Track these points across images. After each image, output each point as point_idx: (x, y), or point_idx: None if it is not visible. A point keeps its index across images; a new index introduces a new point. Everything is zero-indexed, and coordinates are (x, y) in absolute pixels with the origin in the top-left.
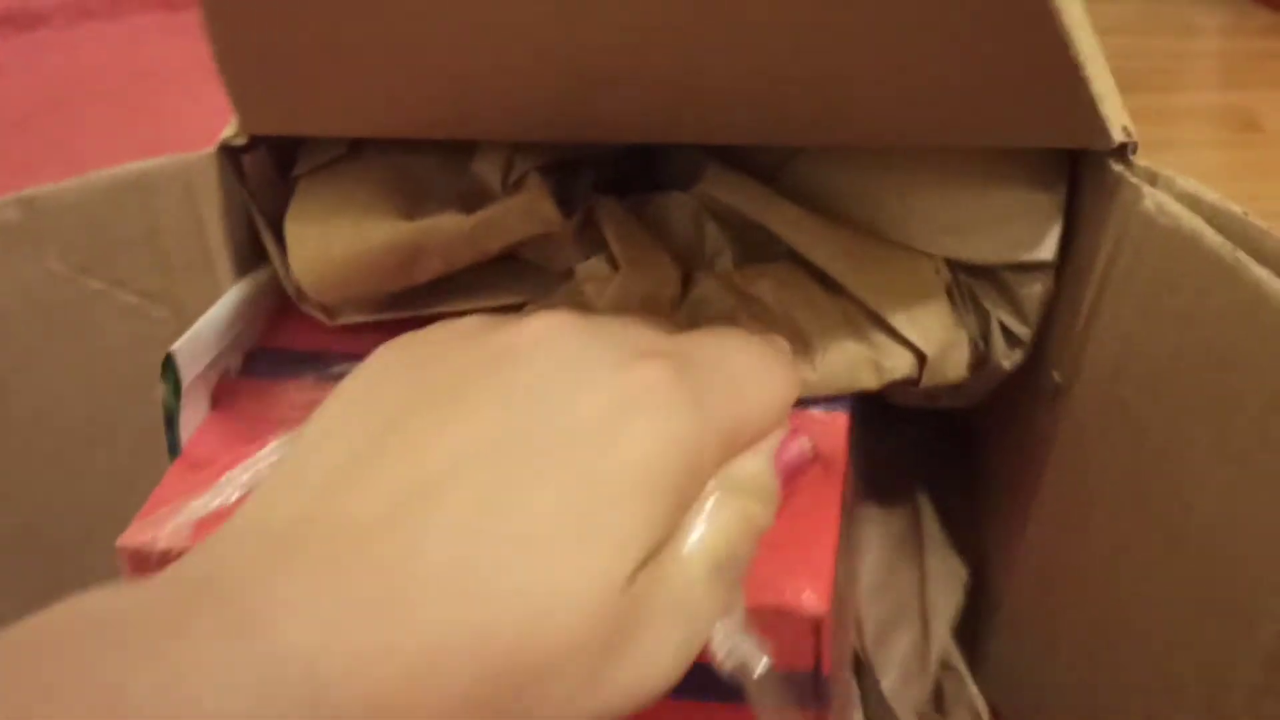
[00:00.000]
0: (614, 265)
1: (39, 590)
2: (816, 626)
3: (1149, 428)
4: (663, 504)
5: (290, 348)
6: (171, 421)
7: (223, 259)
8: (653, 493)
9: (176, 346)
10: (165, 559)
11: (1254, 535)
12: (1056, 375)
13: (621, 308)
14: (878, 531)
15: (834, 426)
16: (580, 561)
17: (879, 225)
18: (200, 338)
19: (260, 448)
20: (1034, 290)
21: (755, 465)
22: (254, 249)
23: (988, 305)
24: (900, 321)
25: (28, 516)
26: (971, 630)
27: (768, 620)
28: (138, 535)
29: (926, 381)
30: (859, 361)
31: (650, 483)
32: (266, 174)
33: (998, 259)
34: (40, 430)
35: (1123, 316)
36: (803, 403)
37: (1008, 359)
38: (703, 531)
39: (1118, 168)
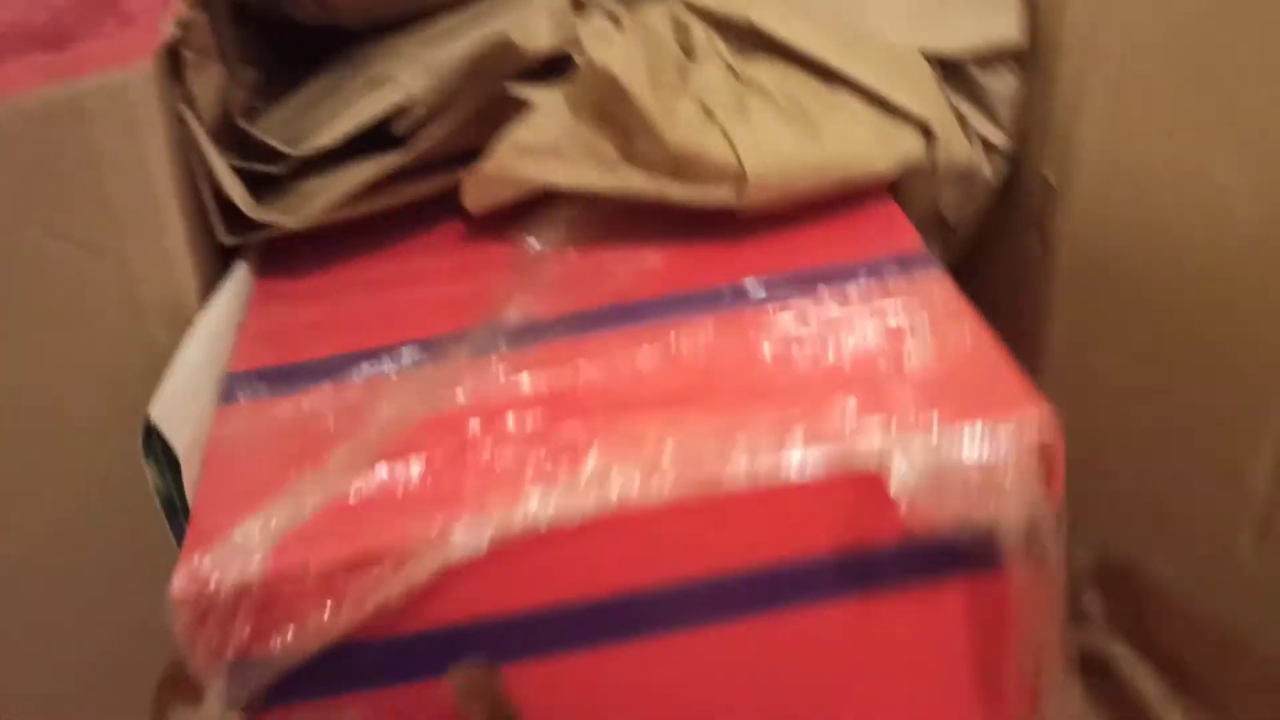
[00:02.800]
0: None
1: None
2: None
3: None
4: None
5: (293, 361)
6: (173, 512)
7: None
8: None
9: (154, 412)
10: (237, 599)
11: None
12: (1050, 176)
13: (631, 64)
14: None
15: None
16: None
17: (849, 21)
18: (178, 393)
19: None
20: (1004, 86)
21: None
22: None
23: (965, 112)
24: (906, 98)
25: None
26: None
27: None
28: (193, 579)
29: (941, 158)
30: (868, 142)
31: None
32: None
33: (964, 47)
34: None
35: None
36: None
37: (990, 167)
38: None
39: None
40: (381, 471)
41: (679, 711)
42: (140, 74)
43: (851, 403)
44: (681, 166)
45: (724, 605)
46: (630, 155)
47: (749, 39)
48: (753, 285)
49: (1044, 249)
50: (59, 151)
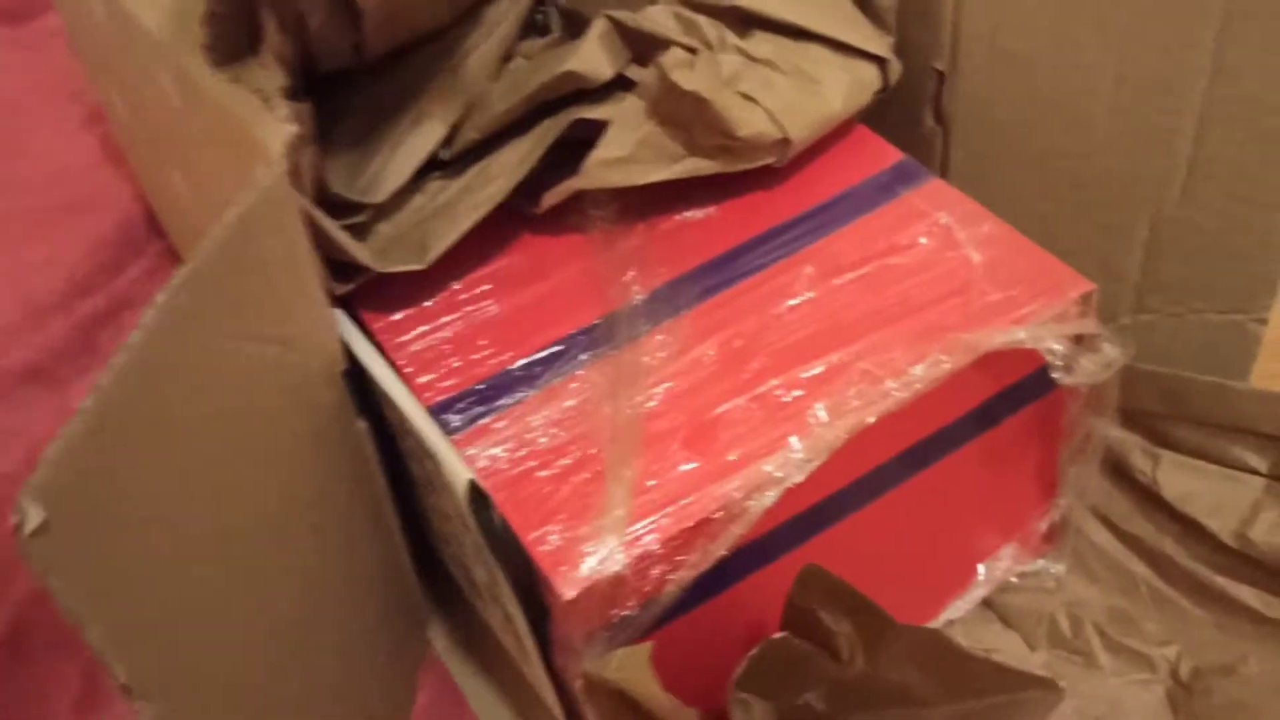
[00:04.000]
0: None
1: None
2: None
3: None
4: None
5: (481, 379)
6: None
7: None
8: None
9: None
10: (613, 587)
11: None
12: (939, 65)
13: (711, 82)
14: None
15: None
16: None
17: None
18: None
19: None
20: (889, 0)
21: None
22: None
23: None
24: (861, 40)
25: None
26: None
27: None
28: (577, 585)
29: (892, 80)
30: (854, 83)
31: None
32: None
33: None
34: None
35: None
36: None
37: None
38: None
39: None
40: (655, 452)
41: (879, 553)
42: (278, 174)
43: (962, 304)
44: (737, 146)
45: (903, 471)
46: (692, 147)
47: (735, 18)
48: (808, 217)
49: (937, 120)
50: (241, 266)
